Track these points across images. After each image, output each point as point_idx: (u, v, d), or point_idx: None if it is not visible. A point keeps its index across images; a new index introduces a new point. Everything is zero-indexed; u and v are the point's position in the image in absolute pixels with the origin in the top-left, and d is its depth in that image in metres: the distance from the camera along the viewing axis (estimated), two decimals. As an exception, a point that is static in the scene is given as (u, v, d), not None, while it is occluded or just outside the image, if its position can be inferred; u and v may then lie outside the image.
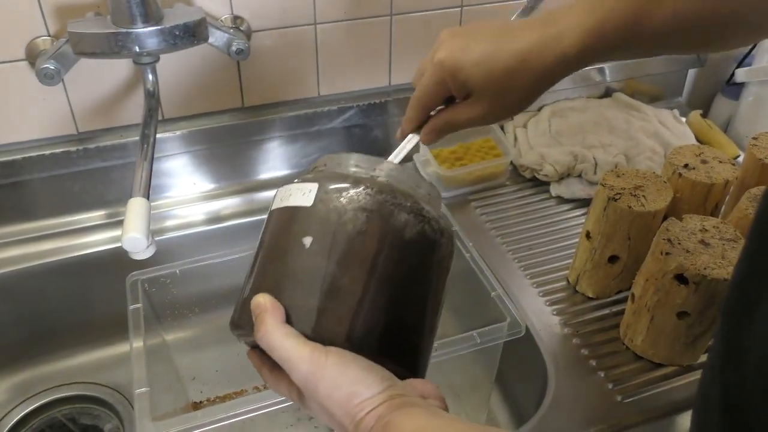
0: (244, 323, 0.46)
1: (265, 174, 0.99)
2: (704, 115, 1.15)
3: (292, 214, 0.47)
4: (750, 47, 1.13)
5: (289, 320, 0.44)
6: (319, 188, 0.46)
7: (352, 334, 0.43)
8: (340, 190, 0.46)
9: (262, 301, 0.44)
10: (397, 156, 0.56)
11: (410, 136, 0.60)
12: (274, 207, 0.49)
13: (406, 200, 0.46)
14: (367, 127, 1.01)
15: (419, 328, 0.47)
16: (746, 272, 0.45)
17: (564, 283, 0.85)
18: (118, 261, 0.83)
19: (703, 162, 0.81)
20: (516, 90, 0.55)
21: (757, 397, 0.41)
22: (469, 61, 0.54)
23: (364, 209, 0.45)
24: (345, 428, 0.43)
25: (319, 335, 0.43)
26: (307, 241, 0.45)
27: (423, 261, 0.47)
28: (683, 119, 1.12)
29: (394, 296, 0.45)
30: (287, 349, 0.43)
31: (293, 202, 0.47)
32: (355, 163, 0.50)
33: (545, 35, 0.52)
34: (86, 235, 0.90)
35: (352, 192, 0.46)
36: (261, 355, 0.49)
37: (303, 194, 0.47)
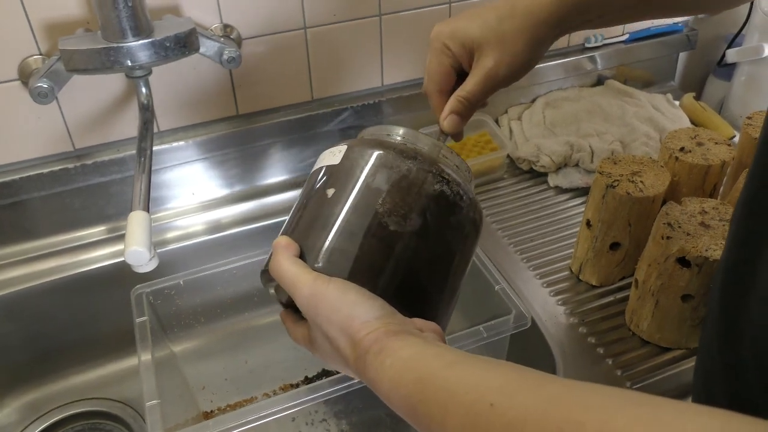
0: (266, 270, 0.50)
1: (264, 180, 0.99)
2: (697, 98, 1.15)
3: (321, 172, 0.52)
4: (739, 28, 1.14)
5: (303, 258, 0.48)
6: (347, 149, 0.52)
7: (356, 271, 0.46)
8: (364, 150, 0.51)
9: (279, 240, 0.49)
10: None
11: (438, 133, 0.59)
12: (312, 171, 0.54)
13: (425, 162, 0.50)
14: (363, 128, 1.00)
15: (428, 280, 0.49)
16: (739, 257, 0.45)
17: (567, 272, 0.85)
18: (121, 275, 0.84)
19: (699, 144, 0.81)
20: (513, 34, 0.55)
21: (754, 375, 0.42)
22: (464, 21, 0.56)
23: (384, 165, 0.49)
24: (345, 355, 0.43)
25: (326, 269, 0.47)
26: (330, 192, 0.50)
27: (438, 218, 0.49)
28: (677, 103, 1.12)
29: (401, 244, 0.47)
30: (293, 274, 0.46)
31: (325, 162, 0.53)
32: (387, 132, 0.54)
33: None
34: (89, 252, 0.90)
35: (376, 152, 0.50)
36: (289, 311, 0.53)
37: (333, 155, 0.52)
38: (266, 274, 0.51)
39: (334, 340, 0.44)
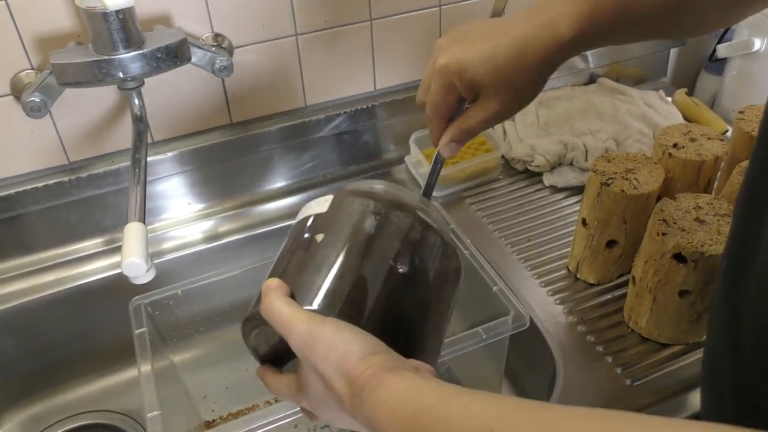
0: (255, 314, 0.49)
1: (259, 188, 0.99)
2: (689, 93, 1.15)
3: (309, 220, 0.53)
4: (729, 22, 1.14)
5: (294, 299, 0.48)
6: (334, 198, 0.53)
7: (349, 312, 0.47)
8: (352, 199, 0.52)
9: (270, 282, 0.48)
10: (431, 178, 0.62)
11: (435, 156, 0.62)
12: (294, 222, 0.55)
13: (410, 211, 0.52)
14: (357, 133, 1.01)
15: (416, 321, 0.50)
16: (741, 240, 0.46)
17: (564, 271, 0.85)
18: (119, 287, 0.83)
19: (692, 140, 0.81)
20: (522, 79, 0.55)
21: (754, 357, 0.42)
22: (472, 60, 0.55)
23: (372, 212, 0.51)
24: (340, 394, 0.43)
25: (319, 310, 0.47)
26: (320, 237, 0.50)
27: (424, 263, 0.51)
28: (669, 99, 1.13)
29: (391, 285, 0.49)
30: (287, 314, 0.46)
31: (311, 211, 0.54)
32: (370, 186, 0.55)
33: (540, 22, 0.54)
34: (86, 264, 0.90)
35: (363, 200, 0.52)
36: (266, 366, 0.53)
37: (320, 205, 0.54)
38: (252, 321, 0.50)
39: (329, 379, 0.43)
